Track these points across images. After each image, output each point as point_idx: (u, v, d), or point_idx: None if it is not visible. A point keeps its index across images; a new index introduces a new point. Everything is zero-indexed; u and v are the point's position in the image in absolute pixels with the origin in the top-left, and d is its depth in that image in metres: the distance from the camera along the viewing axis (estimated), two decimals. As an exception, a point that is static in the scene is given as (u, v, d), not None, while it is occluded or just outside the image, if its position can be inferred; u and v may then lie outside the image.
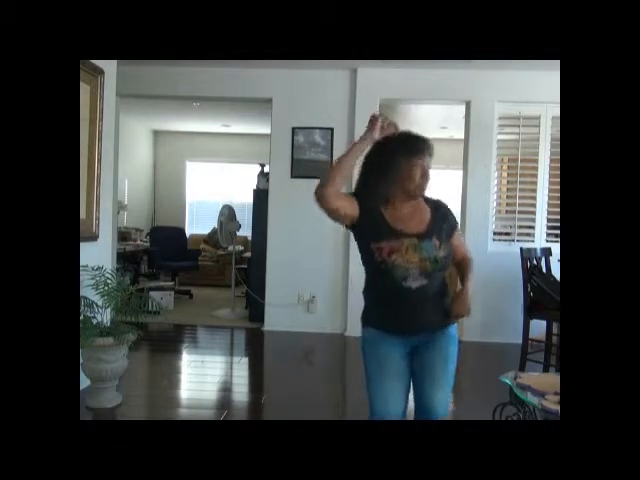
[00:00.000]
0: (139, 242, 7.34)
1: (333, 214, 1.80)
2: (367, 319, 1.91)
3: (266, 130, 5.38)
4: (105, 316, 3.10)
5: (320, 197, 1.75)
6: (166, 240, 7.33)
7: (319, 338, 4.96)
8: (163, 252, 7.04)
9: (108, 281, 3.12)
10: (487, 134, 4.95)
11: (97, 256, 3.32)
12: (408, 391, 1.88)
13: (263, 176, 5.60)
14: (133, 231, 7.43)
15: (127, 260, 6.61)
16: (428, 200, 1.90)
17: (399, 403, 1.84)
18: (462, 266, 1.93)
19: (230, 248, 6.49)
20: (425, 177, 1.81)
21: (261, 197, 5.38)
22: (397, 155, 1.80)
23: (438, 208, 1.89)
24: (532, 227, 5.00)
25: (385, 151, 1.82)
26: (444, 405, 1.85)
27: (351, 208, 1.80)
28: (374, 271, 1.82)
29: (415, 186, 1.81)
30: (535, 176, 5.00)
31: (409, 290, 1.76)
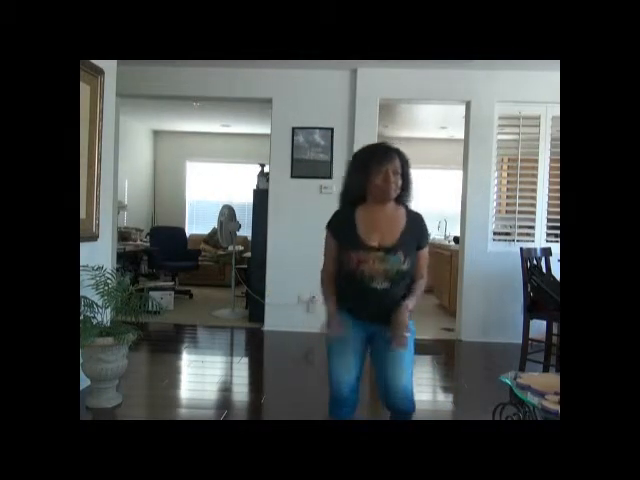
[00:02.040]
0: (139, 242, 7.33)
1: None
2: (337, 302, 2.14)
3: (266, 130, 5.38)
4: (105, 316, 3.10)
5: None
6: (166, 240, 7.33)
7: (319, 338, 4.94)
8: (163, 252, 7.04)
9: (108, 281, 3.12)
10: (487, 134, 4.95)
11: (97, 256, 3.32)
12: (361, 369, 2.10)
13: (263, 176, 5.60)
14: (133, 231, 7.42)
15: (127, 260, 6.61)
16: (409, 212, 2.09)
17: (358, 373, 2.08)
18: (414, 282, 2.08)
19: (230, 248, 6.49)
20: (388, 182, 1.99)
21: (261, 197, 5.38)
22: (362, 164, 2.04)
23: (414, 222, 2.07)
24: (532, 227, 4.99)
25: (356, 161, 2.10)
26: (409, 386, 2.02)
27: (335, 251, 2.12)
28: (346, 272, 2.06)
29: (379, 191, 2.01)
30: (535, 176, 4.99)
31: (375, 290, 2.01)
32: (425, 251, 2.10)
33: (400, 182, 2.02)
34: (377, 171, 1.98)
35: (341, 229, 2.08)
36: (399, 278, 2.00)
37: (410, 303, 2.00)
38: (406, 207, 2.10)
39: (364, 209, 2.07)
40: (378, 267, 1.98)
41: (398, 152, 2.05)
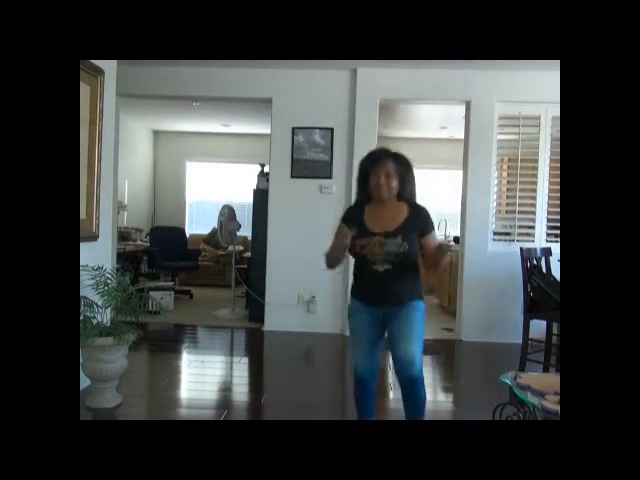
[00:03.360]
0: (139, 242, 7.33)
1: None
2: (352, 292, 2.42)
3: (266, 130, 5.38)
4: (105, 316, 3.10)
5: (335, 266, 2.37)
6: (166, 240, 7.32)
7: (319, 338, 4.96)
8: (163, 252, 7.03)
9: (108, 281, 3.12)
10: (487, 134, 4.94)
11: (97, 256, 3.32)
12: (381, 350, 2.41)
13: (263, 176, 5.60)
14: (133, 231, 7.42)
15: (127, 260, 6.61)
16: (412, 206, 2.31)
17: (374, 357, 2.37)
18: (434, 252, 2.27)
19: (230, 248, 6.48)
20: (379, 184, 2.23)
21: (261, 197, 5.38)
22: (361, 170, 2.36)
23: (416, 212, 2.29)
24: (532, 227, 4.99)
25: (359, 168, 2.39)
26: (413, 355, 2.22)
27: (347, 237, 2.23)
28: (355, 258, 2.33)
29: (374, 192, 2.27)
30: (535, 176, 4.99)
31: (377, 272, 2.23)
32: (432, 236, 2.30)
33: (395, 183, 2.25)
34: (372, 174, 2.26)
35: (351, 219, 2.29)
36: (399, 260, 2.20)
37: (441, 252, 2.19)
38: (409, 202, 2.31)
39: (370, 206, 2.32)
40: (378, 250, 2.20)
41: (395, 156, 2.28)
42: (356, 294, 2.38)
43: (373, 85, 4.98)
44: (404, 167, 2.28)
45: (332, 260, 2.31)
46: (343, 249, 2.24)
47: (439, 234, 7.72)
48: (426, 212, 2.32)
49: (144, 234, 7.78)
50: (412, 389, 2.28)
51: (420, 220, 2.28)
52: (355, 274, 2.39)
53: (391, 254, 2.19)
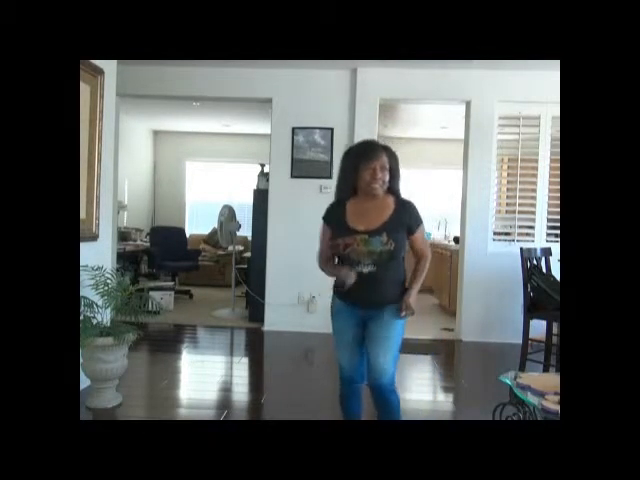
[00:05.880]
0: (139, 242, 7.33)
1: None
2: (335, 290, 2.31)
3: (266, 130, 5.38)
4: (105, 316, 3.10)
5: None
6: (166, 240, 7.32)
7: (319, 338, 4.96)
8: (163, 252, 7.03)
9: (108, 281, 3.12)
10: (487, 134, 4.95)
11: (97, 256, 3.32)
12: (362, 350, 2.25)
13: (263, 176, 5.60)
14: (133, 231, 7.42)
15: (127, 260, 6.61)
16: (399, 200, 2.22)
17: (361, 357, 2.25)
18: (417, 261, 2.27)
19: (230, 248, 6.48)
20: (375, 178, 2.13)
21: (261, 197, 5.38)
22: (352, 161, 2.20)
23: (403, 208, 2.20)
24: (532, 227, 5.00)
25: (345, 159, 2.25)
26: (384, 364, 2.15)
27: (328, 238, 2.25)
28: (338, 258, 2.26)
29: (366, 186, 2.15)
30: (535, 176, 5.00)
31: (360, 274, 2.13)
32: (419, 234, 2.22)
33: (387, 177, 2.15)
34: (365, 168, 2.13)
35: (333, 219, 2.25)
36: (384, 260, 2.12)
37: (416, 287, 2.20)
38: (397, 196, 2.22)
39: (354, 202, 2.22)
40: (362, 249, 2.11)
41: (386, 148, 2.20)
42: (338, 293, 2.28)
43: (373, 85, 4.98)
44: (395, 160, 2.20)
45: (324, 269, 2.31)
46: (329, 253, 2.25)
47: (439, 235, 7.72)
48: (412, 206, 2.21)
49: (144, 234, 7.77)
50: (381, 396, 2.19)
51: (406, 215, 2.18)
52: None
53: (375, 253, 2.11)
